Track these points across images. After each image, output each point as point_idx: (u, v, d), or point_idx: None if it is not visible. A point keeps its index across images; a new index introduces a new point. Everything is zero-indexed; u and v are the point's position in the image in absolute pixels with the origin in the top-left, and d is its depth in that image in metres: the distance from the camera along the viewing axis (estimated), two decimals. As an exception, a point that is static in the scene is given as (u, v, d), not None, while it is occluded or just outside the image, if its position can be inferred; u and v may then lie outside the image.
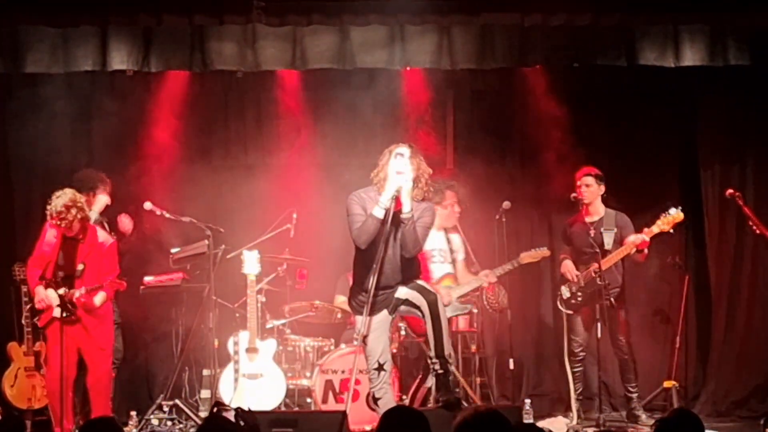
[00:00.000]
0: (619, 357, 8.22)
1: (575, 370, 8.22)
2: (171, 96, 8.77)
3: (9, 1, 7.34)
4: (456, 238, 8.06)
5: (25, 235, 8.18)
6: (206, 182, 9.00)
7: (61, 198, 7.22)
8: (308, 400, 8.03)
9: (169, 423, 7.97)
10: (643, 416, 8.11)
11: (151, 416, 7.99)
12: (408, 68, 8.26)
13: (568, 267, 8.15)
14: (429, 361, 6.62)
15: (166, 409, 8.03)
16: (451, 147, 9.18)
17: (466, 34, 7.70)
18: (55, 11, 7.34)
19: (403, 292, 6.57)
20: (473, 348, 8.26)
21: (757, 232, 8.19)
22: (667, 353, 8.86)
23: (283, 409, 7.84)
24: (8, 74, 7.93)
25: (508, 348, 8.28)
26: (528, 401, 7.63)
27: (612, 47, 7.76)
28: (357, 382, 7.35)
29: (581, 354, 8.21)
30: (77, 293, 7.26)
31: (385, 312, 6.56)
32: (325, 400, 7.79)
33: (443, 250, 7.97)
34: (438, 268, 7.93)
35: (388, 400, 6.52)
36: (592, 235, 8.02)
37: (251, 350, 7.93)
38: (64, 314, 7.19)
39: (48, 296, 7.29)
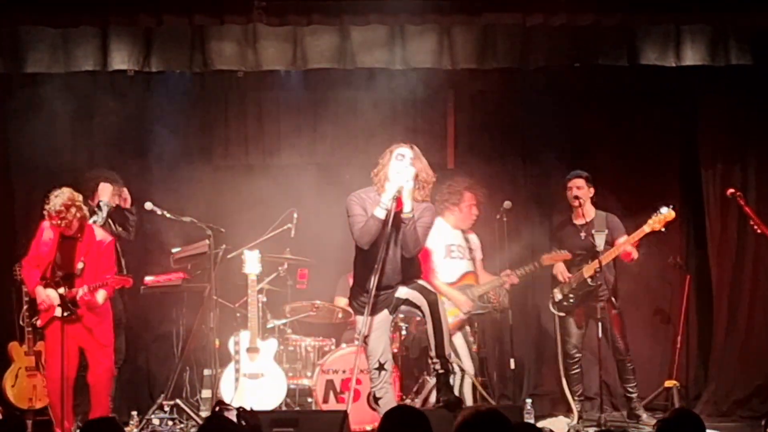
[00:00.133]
0: (616, 358, 8.22)
1: (573, 371, 8.23)
2: (171, 96, 8.77)
3: (9, 1, 7.32)
4: (474, 238, 8.07)
5: (25, 235, 8.17)
6: (207, 182, 9.01)
7: (60, 197, 7.21)
8: (309, 399, 8.03)
9: (170, 423, 7.97)
10: (644, 416, 8.12)
11: (152, 416, 7.99)
12: (408, 68, 8.25)
13: (560, 269, 8.16)
14: (429, 361, 6.62)
15: (167, 408, 8.02)
16: (452, 147, 9.17)
17: (466, 34, 7.70)
18: (55, 11, 7.32)
19: (403, 291, 6.57)
20: (474, 348, 8.25)
21: (759, 231, 8.19)
22: (668, 353, 8.87)
23: (284, 408, 7.84)
24: (8, 74, 7.93)
25: (509, 348, 8.28)
26: (529, 401, 7.63)
27: (613, 47, 7.76)
28: (358, 381, 7.35)
29: (577, 355, 8.22)
30: (80, 291, 7.26)
31: (385, 312, 6.56)
32: (326, 400, 7.80)
33: (462, 246, 7.95)
34: (458, 264, 7.91)
35: (389, 400, 6.52)
36: (583, 237, 8.04)
37: (252, 350, 7.93)
38: (65, 313, 7.19)
39: (49, 296, 7.30)
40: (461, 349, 7.80)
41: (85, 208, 7.37)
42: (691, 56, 7.70)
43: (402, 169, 6.44)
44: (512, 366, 8.18)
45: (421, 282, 6.65)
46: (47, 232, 7.38)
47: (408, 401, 7.71)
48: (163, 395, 8.15)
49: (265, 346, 7.98)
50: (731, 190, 8.31)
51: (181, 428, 7.93)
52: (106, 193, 7.99)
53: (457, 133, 9.19)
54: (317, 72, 8.19)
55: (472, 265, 8.02)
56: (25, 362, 8.09)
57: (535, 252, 8.39)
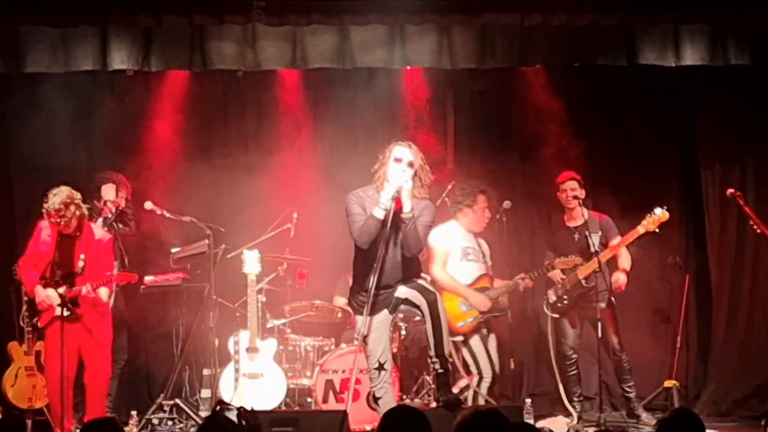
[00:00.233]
0: (612, 359, 8.22)
1: (571, 373, 8.23)
2: (171, 95, 8.77)
3: (9, 1, 7.33)
4: (484, 243, 8.04)
5: (25, 235, 8.16)
6: (206, 182, 9.00)
7: (58, 195, 7.20)
8: (309, 399, 8.03)
9: (170, 423, 7.99)
10: (644, 415, 8.12)
11: (152, 416, 8.00)
12: (408, 68, 8.26)
13: (555, 271, 8.15)
14: (429, 361, 6.62)
15: (166, 408, 8.04)
16: (451, 146, 9.18)
17: (465, 34, 7.70)
18: (55, 11, 7.33)
19: (403, 291, 6.57)
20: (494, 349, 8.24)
21: (758, 231, 8.19)
22: (667, 353, 8.88)
23: (283, 408, 7.84)
24: (8, 74, 7.93)
25: (509, 348, 8.28)
26: (528, 401, 7.63)
27: (612, 47, 7.76)
28: (357, 381, 7.36)
29: (574, 356, 8.22)
30: (84, 289, 7.25)
31: (385, 311, 6.56)
32: (325, 400, 7.79)
33: (476, 249, 7.92)
34: (473, 267, 7.87)
35: (389, 400, 6.52)
36: (576, 239, 8.04)
37: (252, 350, 7.93)
38: (66, 313, 7.18)
39: (49, 296, 7.29)
40: (479, 352, 7.79)
41: (84, 207, 7.36)
42: (690, 56, 7.70)
43: (401, 168, 6.43)
44: (512, 366, 8.19)
45: (420, 281, 6.64)
46: (45, 231, 7.37)
47: (408, 401, 7.71)
48: (162, 395, 8.16)
49: (264, 345, 7.98)
50: (731, 190, 8.31)
51: (180, 428, 7.93)
52: (110, 193, 7.99)
53: (456, 133, 9.20)
54: (317, 72, 8.19)
55: (486, 267, 8.01)
56: (24, 362, 8.08)
57: (534, 251, 8.39)
